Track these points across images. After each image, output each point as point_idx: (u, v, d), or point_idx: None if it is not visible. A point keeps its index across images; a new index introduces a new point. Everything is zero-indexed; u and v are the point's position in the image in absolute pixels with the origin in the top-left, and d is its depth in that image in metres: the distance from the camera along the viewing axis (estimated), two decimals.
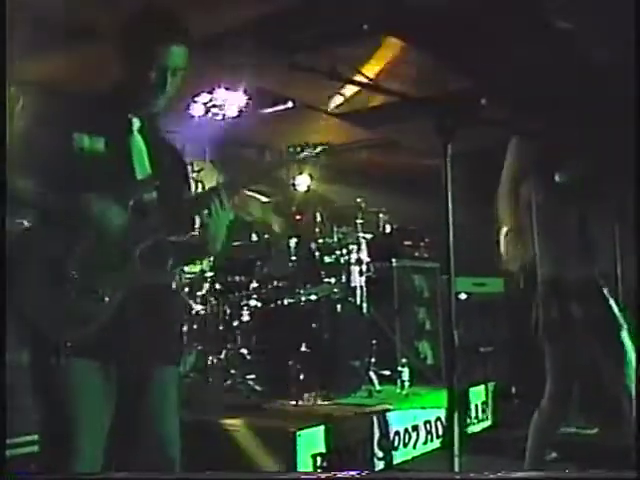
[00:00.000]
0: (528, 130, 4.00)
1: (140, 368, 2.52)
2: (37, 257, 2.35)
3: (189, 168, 2.90)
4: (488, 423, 6.30)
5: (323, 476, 3.94)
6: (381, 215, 7.22)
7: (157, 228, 2.51)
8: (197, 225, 2.66)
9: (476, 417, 6.15)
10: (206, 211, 2.55)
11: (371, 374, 5.87)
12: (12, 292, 2.33)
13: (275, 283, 6.27)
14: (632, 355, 3.76)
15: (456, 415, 2.19)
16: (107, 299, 2.36)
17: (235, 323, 6.06)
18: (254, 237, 6.38)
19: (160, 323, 2.58)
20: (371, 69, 5.98)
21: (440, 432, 5.48)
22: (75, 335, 2.32)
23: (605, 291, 3.84)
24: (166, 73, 2.49)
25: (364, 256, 6.36)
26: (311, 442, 4.38)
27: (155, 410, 2.56)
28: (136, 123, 2.62)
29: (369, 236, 6.56)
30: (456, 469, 2.19)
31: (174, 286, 2.91)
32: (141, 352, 2.49)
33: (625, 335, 3.77)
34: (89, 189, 2.38)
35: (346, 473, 4.20)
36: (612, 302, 3.82)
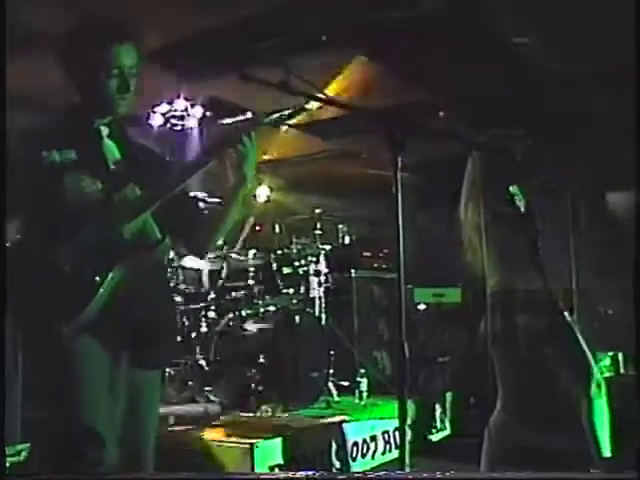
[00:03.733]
0: (480, 144, 4.04)
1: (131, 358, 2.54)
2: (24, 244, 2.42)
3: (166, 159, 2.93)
4: (446, 432, 6.34)
5: (282, 476, 3.96)
6: (340, 226, 7.24)
7: (146, 205, 2.54)
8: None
9: (434, 426, 6.18)
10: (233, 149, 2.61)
11: (329, 385, 5.87)
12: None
13: (234, 294, 6.25)
14: (587, 363, 3.82)
15: (407, 426, 2.20)
16: (97, 279, 2.39)
17: (193, 334, 6.03)
18: None
19: (154, 314, 2.61)
20: (325, 81, 6.01)
21: (399, 442, 5.48)
22: (71, 317, 2.36)
23: (556, 302, 3.89)
24: (121, 75, 2.52)
25: (323, 267, 6.37)
26: (269, 453, 4.36)
27: (135, 410, 2.58)
28: (104, 130, 2.65)
29: (328, 247, 6.57)
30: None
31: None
32: (131, 340, 2.52)
33: (577, 345, 3.83)
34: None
35: (303, 473, 4.21)
36: (565, 313, 3.87)
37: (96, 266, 2.41)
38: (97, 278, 2.41)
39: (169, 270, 5.67)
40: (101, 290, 2.40)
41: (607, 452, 3.73)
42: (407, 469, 2.15)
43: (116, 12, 4.49)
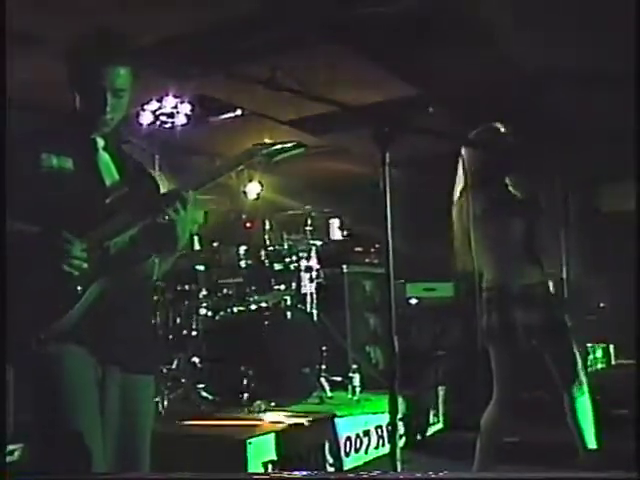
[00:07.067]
0: (471, 141, 4.03)
1: (112, 368, 2.52)
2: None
3: (157, 178, 2.90)
4: (440, 426, 6.35)
5: (276, 476, 3.96)
6: (331, 222, 7.24)
7: (129, 224, 2.50)
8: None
9: (427, 420, 6.19)
10: (173, 210, 2.53)
11: (322, 380, 5.87)
12: None
13: (225, 291, 6.25)
14: (573, 362, 3.82)
15: (399, 420, 2.21)
16: (80, 288, 2.38)
17: (185, 332, 6.03)
18: (197, 245, 6.33)
19: (136, 322, 2.59)
20: (313, 77, 6.00)
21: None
22: (49, 326, 2.33)
23: (550, 296, 3.90)
24: (106, 95, 2.50)
25: (314, 263, 6.37)
26: (262, 450, 4.37)
27: (130, 412, 2.57)
28: (100, 142, 2.64)
29: (319, 243, 6.57)
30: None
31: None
32: (117, 349, 2.50)
33: (567, 343, 3.83)
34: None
35: (297, 473, 4.21)
36: (558, 307, 3.88)
37: (79, 277, 2.39)
38: (79, 288, 2.39)
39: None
40: (82, 300, 2.39)
41: (592, 444, 3.74)
42: (398, 464, 2.16)
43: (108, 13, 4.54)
